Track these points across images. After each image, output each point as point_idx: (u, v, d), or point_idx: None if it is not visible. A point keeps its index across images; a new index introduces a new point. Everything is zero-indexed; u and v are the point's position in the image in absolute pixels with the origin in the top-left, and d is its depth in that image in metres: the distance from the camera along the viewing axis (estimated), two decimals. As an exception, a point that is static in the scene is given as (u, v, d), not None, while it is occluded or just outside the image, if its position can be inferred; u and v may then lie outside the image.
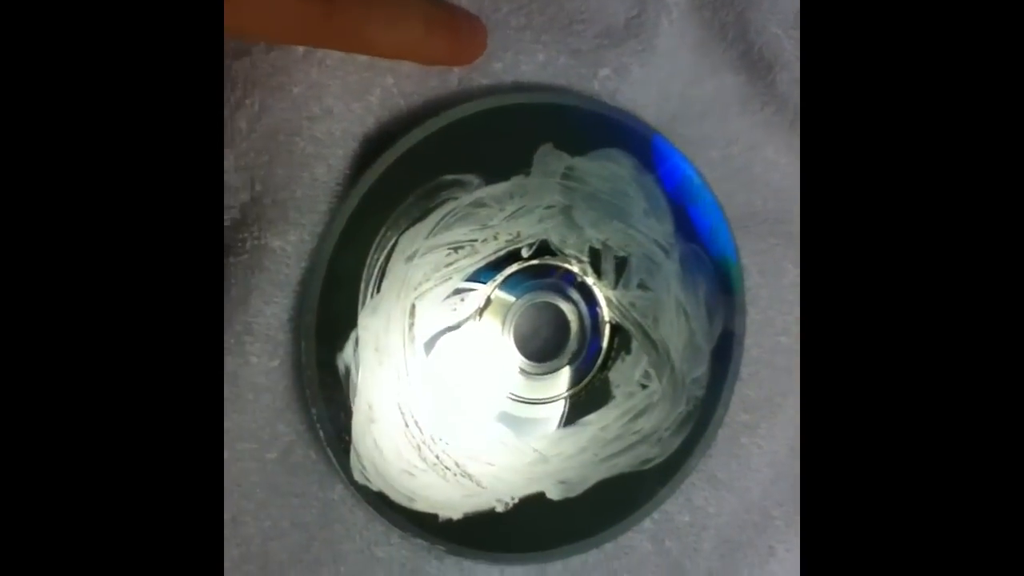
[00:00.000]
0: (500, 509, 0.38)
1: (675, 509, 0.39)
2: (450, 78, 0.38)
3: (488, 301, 0.38)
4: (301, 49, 0.36)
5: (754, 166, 0.40)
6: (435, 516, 0.37)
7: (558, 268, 0.38)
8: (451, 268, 0.37)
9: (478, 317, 0.38)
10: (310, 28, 0.33)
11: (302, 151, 0.37)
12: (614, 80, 0.38)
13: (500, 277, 0.38)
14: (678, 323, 0.38)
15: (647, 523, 0.39)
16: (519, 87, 0.38)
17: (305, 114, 0.37)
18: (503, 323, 0.38)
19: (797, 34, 0.38)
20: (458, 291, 0.37)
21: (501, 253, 0.37)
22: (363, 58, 0.37)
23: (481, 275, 0.38)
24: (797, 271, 0.39)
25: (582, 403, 0.38)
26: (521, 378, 0.38)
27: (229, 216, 0.37)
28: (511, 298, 0.38)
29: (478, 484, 0.37)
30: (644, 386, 0.38)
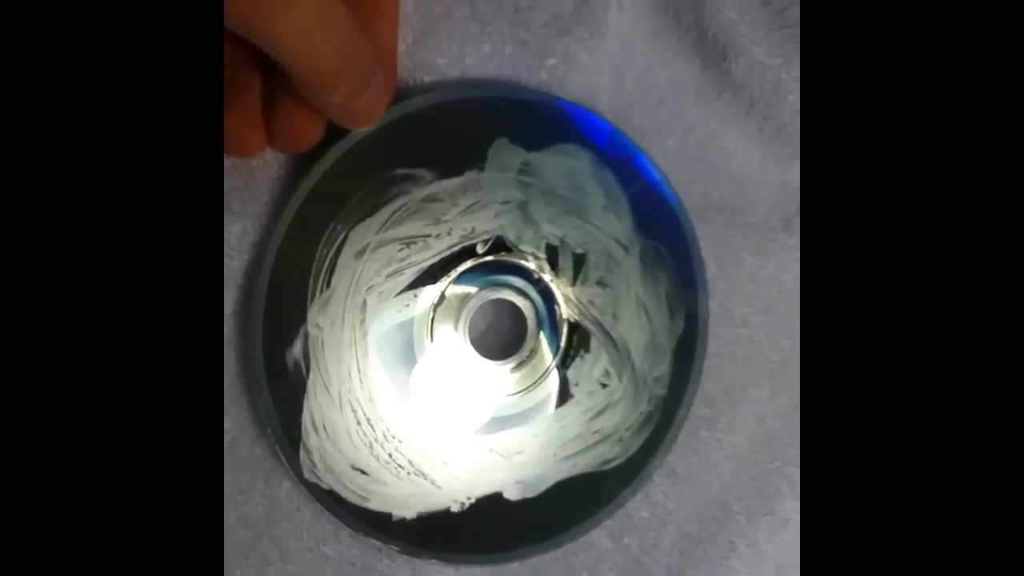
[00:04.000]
0: (456, 509, 0.37)
1: (634, 505, 0.39)
2: (398, 73, 0.36)
3: (443, 297, 0.37)
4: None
5: (711, 155, 0.39)
6: (388, 515, 0.36)
7: (514, 265, 0.37)
8: (403, 263, 0.36)
9: (432, 313, 0.37)
10: None
11: None
12: (561, 69, 0.37)
13: (455, 273, 0.37)
14: (639, 321, 0.37)
15: (605, 519, 0.38)
16: (471, 82, 0.37)
17: None
18: (457, 320, 0.37)
19: (752, 18, 0.37)
20: (411, 287, 0.36)
21: (455, 249, 0.37)
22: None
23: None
24: (755, 262, 0.39)
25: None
26: (478, 377, 0.37)
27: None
28: (467, 293, 0.37)
29: (433, 483, 0.37)
30: (604, 385, 0.37)
